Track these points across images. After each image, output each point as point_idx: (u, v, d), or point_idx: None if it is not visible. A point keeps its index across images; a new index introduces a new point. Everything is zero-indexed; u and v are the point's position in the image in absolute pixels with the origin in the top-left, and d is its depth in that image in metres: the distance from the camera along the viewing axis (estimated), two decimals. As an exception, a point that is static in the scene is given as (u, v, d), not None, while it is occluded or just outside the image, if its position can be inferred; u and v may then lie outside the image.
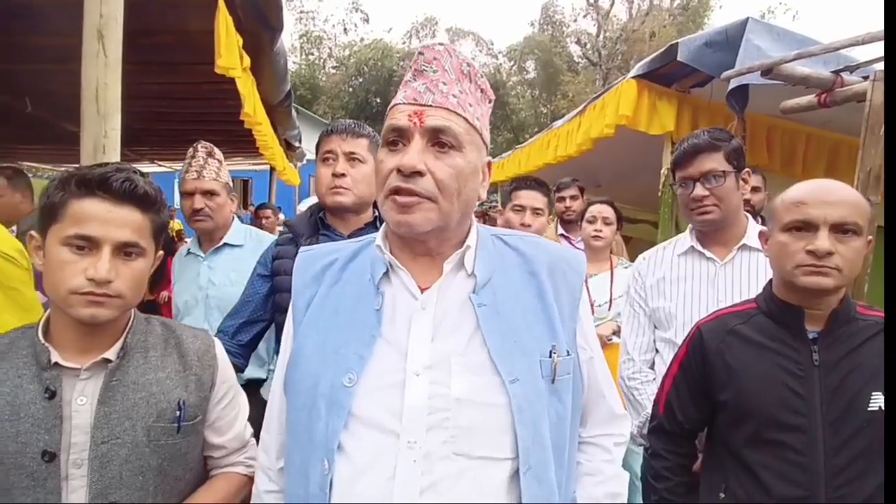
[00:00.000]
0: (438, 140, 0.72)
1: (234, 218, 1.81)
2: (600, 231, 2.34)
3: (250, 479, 1.01)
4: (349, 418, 0.68)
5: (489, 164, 0.80)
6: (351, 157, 1.33)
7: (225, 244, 1.75)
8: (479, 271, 0.75)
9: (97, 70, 1.23)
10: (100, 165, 0.88)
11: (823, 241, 0.93)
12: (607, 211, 2.36)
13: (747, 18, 2.40)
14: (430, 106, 0.72)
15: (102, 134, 1.24)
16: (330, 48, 21.51)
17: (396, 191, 0.71)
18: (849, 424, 0.93)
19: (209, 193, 1.68)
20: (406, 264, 0.76)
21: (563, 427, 0.73)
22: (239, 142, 5.35)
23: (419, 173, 0.70)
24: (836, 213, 0.94)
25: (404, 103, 0.74)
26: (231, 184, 1.82)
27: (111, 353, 0.87)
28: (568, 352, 0.74)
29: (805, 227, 0.96)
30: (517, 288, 0.76)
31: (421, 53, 0.76)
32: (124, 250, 0.84)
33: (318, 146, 1.39)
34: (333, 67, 21.19)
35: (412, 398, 0.68)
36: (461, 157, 0.73)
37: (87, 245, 0.81)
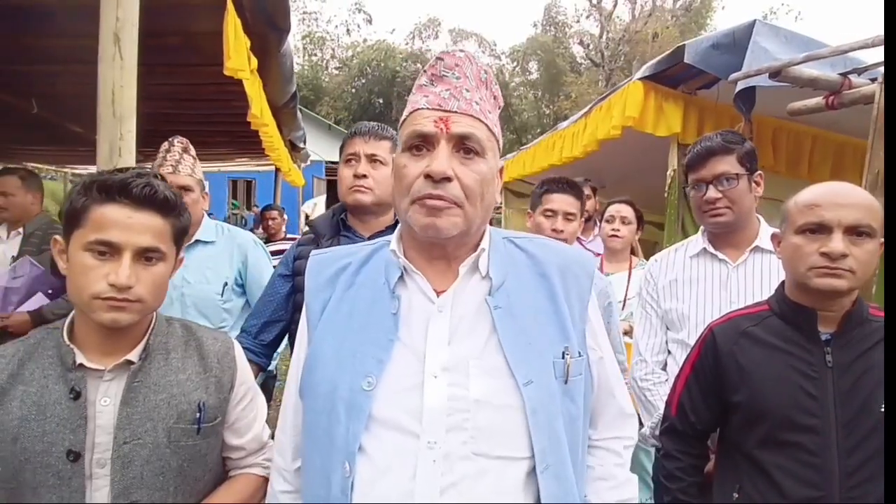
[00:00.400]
0: (464, 146, 0.72)
1: (204, 215, 1.79)
2: (618, 230, 2.34)
3: (268, 481, 1.02)
4: (369, 421, 0.69)
5: (502, 169, 0.82)
6: (373, 159, 1.35)
7: (197, 241, 1.72)
8: (493, 274, 0.76)
9: (113, 73, 1.24)
10: (121, 171, 0.89)
11: (837, 243, 0.94)
12: (626, 210, 2.35)
13: (754, 21, 2.41)
14: (456, 112, 0.72)
15: (118, 136, 1.25)
16: (333, 49, 21.53)
17: (426, 197, 0.71)
18: (862, 425, 0.94)
19: (183, 189, 1.65)
20: (421, 267, 0.77)
21: (577, 427, 0.74)
22: (244, 143, 5.37)
23: (448, 179, 0.71)
24: (850, 216, 0.94)
25: (428, 108, 0.73)
26: (204, 181, 1.80)
27: (133, 355, 0.88)
28: (580, 352, 0.75)
29: (819, 229, 0.97)
30: (529, 290, 0.77)
31: (440, 59, 0.76)
32: (145, 255, 0.85)
33: (341, 148, 1.41)
34: (336, 68, 21.20)
35: (432, 400, 0.69)
36: (484, 164, 0.74)
37: (108, 250, 0.82)
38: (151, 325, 0.93)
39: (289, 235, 4.12)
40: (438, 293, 0.76)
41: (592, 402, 0.80)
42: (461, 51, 0.78)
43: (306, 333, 0.82)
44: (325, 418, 0.72)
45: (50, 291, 2.16)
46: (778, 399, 0.98)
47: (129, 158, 1.27)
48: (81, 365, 0.85)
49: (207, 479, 0.95)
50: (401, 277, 0.77)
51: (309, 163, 8.05)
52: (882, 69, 2.11)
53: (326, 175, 13.15)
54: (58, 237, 0.88)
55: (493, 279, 0.76)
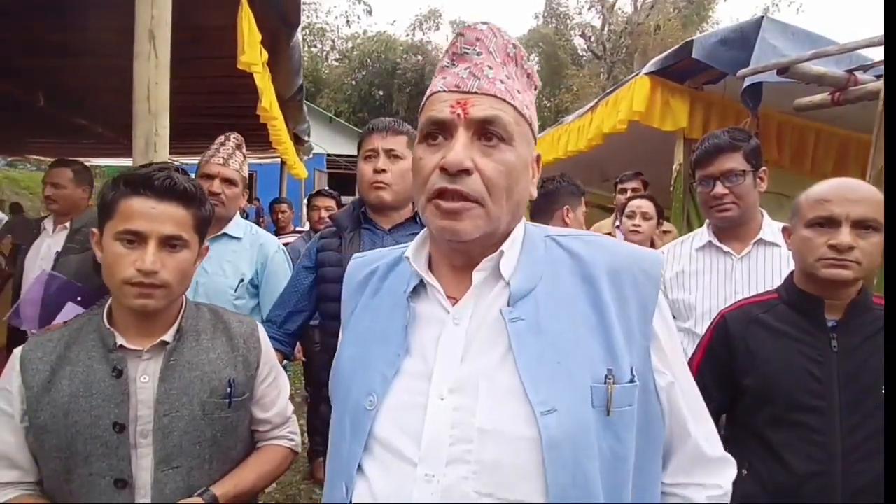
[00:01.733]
0: (486, 132, 0.62)
1: (237, 212, 1.81)
2: (639, 226, 2.41)
3: (292, 451, 1.10)
4: (370, 439, 0.63)
5: (538, 157, 0.70)
6: (391, 154, 1.38)
7: (224, 234, 1.72)
8: (515, 280, 0.64)
9: (148, 70, 1.27)
10: (145, 166, 0.95)
11: (845, 236, 0.99)
12: (647, 206, 2.42)
13: (762, 17, 2.44)
14: (476, 93, 0.62)
15: (153, 132, 1.28)
16: (333, 40, 21.39)
17: (441, 193, 0.61)
18: (864, 406, 0.99)
19: (229, 181, 1.69)
20: (443, 274, 0.69)
21: (622, 470, 0.59)
22: (247, 135, 5.36)
23: (466, 172, 0.60)
24: (857, 210, 0.99)
25: (445, 91, 0.64)
26: (247, 180, 1.83)
27: (168, 336, 0.94)
28: (633, 378, 0.60)
29: (828, 222, 1.02)
30: (568, 298, 0.64)
31: (461, 34, 0.66)
32: (169, 243, 0.90)
33: (359, 145, 1.44)
34: (336, 60, 21.08)
35: (433, 425, 0.60)
36: (511, 152, 0.63)
37: (135, 239, 0.88)
38: (182, 309, 0.99)
39: (297, 229, 4.14)
40: (456, 303, 0.66)
41: (665, 439, 0.65)
42: (484, 23, 0.67)
43: (341, 336, 0.77)
44: (337, 430, 0.69)
45: (80, 299, 2.16)
46: (786, 382, 1.03)
47: (163, 153, 1.30)
48: (122, 346, 0.91)
49: (239, 448, 1.01)
50: (420, 285, 0.69)
51: (312, 156, 8.07)
52: (887, 66, 2.15)
53: (328, 168, 13.15)
54: (94, 229, 0.94)
55: (513, 286, 0.64)
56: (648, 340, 0.63)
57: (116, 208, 0.89)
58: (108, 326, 0.92)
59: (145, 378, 0.91)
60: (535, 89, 0.71)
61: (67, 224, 2.31)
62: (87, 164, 2.54)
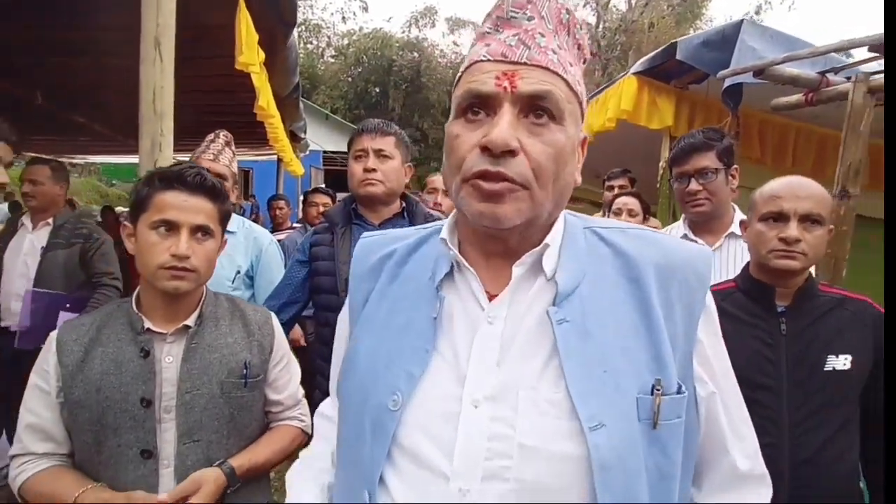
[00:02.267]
0: (535, 109, 0.55)
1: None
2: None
3: (302, 431, 1.20)
4: (393, 447, 0.57)
5: (585, 140, 0.63)
6: (380, 154, 1.48)
7: None
8: (561, 276, 0.58)
9: (154, 75, 1.36)
10: (175, 165, 1.06)
11: (793, 230, 1.10)
12: (632, 203, 2.48)
13: (742, 20, 2.55)
14: (525, 64, 0.55)
15: (159, 132, 1.37)
16: (328, 37, 21.34)
17: (482, 175, 0.55)
18: (809, 384, 1.10)
19: (219, 177, 1.71)
20: (476, 264, 0.62)
21: (668, 489, 0.54)
22: (243, 133, 5.42)
23: (511, 153, 0.54)
24: (804, 206, 1.11)
25: (489, 60, 0.56)
26: (237, 176, 1.91)
27: (190, 321, 1.04)
28: (680, 388, 0.55)
29: (778, 217, 1.13)
30: (612, 299, 0.58)
31: None
32: (199, 232, 1.01)
33: (349, 145, 1.54)
34: (332, 57, 21.03)
35: (467, 436, 0.54)
36: (561, 132, 0.56)
37: (169, 227, 0.98)
38: (203, 297, 1.09)
39: (294, 225, 4.22)
40: (491, 298, 0.60)
41: (697, 452, 0.60)
42: None
43: (347, 325, 0.71)
44: (353, 434, 0.61)
45: (68, 306, 2.19)
46: (740, 363, 1.13)
47: (167, 152, 1.39)
48: (149, 329, 1.01)
49: (254, 426, 1.11)
50: (450, 273, 0.62)
51: (308, 153, 8.13)
52: (858, 68, 2.26)
53: (324, 164, 13.18)
54: (126, 223, 1.04)
55: (560, 284, 0.58)
56: (691, 345, 0.59)
57: (151, 202, 0.99)
58: (136, 311, 1.02)
59: (169, 359, 1.01)
60: (584, 62, 0.63)
61: (50, 220, 2.35)
62: (86, 161, 2.60)
